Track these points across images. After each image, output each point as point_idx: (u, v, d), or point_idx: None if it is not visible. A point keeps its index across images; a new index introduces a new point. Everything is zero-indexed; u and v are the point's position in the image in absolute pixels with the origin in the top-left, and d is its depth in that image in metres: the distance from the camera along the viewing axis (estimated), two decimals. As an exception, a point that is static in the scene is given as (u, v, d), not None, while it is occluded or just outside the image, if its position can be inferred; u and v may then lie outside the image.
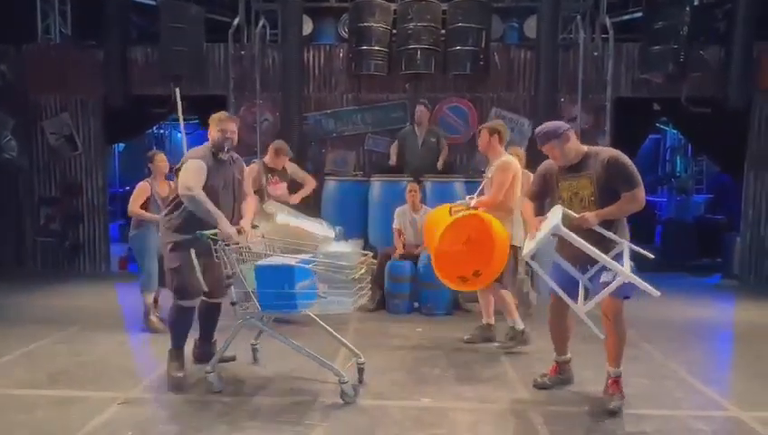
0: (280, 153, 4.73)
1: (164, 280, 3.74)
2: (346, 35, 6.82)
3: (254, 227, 3.27)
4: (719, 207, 9.18)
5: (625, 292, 2.83)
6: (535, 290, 5.11)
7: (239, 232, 3.14)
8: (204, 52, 6.71)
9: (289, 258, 3.03)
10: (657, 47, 6.21)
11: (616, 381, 2.96)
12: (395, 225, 5.21)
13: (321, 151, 6.79)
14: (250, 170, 4.68)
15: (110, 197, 8.38)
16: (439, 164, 6.05)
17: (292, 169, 4.90)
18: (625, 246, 2.87)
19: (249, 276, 3.00)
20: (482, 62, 6.43)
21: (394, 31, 6.49)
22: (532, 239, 2.98)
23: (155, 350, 3.88)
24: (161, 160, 4.53)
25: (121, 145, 10.79)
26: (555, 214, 2.90)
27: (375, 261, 3.34)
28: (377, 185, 5.86)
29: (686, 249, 7.81)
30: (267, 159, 4.77)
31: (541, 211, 3.15)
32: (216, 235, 2.97)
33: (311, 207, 4.99)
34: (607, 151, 2.95)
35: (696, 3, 6.43)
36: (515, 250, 3.74)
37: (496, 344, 3.93)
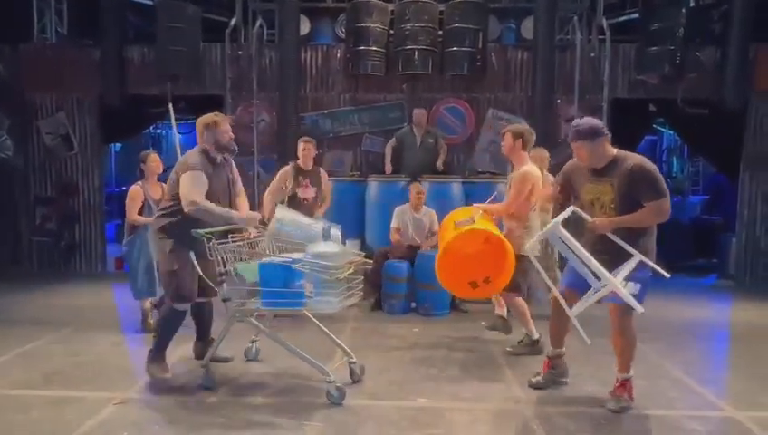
0: (308, 144, 4.85)
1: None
2: (343, 36, 6.82)
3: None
4: (715, 207, 9.21)
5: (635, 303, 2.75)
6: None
7: (239, 230, 3.19)
8: (201, 51, 6.70)
9: (285, 257, 3.04)
10: (653, 48, 6.23)
11: (623, 384, 2.95)
12: (393, 223, 5.21)
13: (318, 152, 6.77)
14: (282, 173, 4.84)
15: (107, 196, 8.34)
16: (439, 164, 6.06)
17: (325, 178, 5.00)
18: (635, 260, 2.76)
19: (247, 274, 3.01)
20: (479, 63, 6.44)
21: (391, 31, 6.49)
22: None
23: (151, 350, 3.88)
24: (154, 161, 4.48)
25: (118, 145, 10.77)
26: (562, 214, 2.87)
27: (367, 260, 3.32)
28: (374, 185, 5.87)
29: (682, 250, 7.82)
30: (301, 159, 4.85)
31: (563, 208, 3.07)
32: (211, 233, 2.96)
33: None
34: (633, 158, 2.83)
35: (692, 4, 6.45)
36: (526, 259, 3.59)
37: (508, 349, 3.90)
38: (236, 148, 3.27)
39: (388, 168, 6.14)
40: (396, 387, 3.25)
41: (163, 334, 3.25)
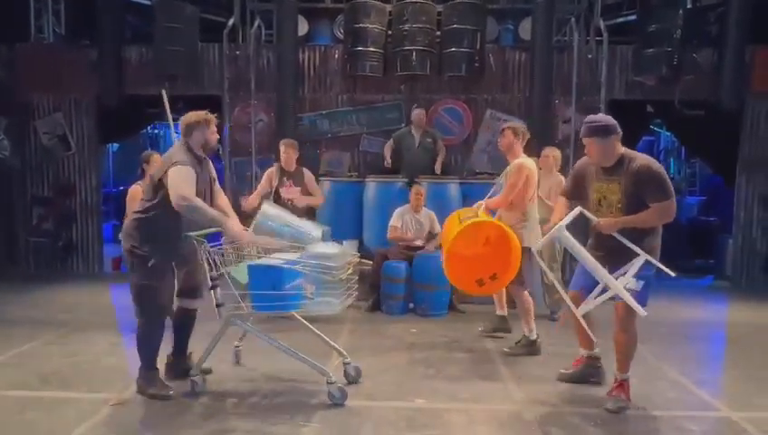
0: (289, 148, 4.86)
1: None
2: (341, 36, 6.82)
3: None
4: (712, 209, 9.24)
5: (639, 300, 2.77)
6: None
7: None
8: (199, 52, 6.69)
9: (276, 259, 3.00)
10: (650, 50, 6.25)
11: (621, 384, 2.96)
12: (392, 222, 5.21)
13: (315, 152, 6.78)
14: (267, 173, 4.90)
15: (104, 197, 8.34)
16: (437, 166, 6.07)
17: (308, 177, 5.00)
18: (641, 260, 2.78)
19: (239, 277, 2.98)
20: (477, 64, 6.45)
21: (389, 32, 6.49)
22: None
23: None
24: (156, 161, 4.46)
25: (115, 145, 10.75)
26: (569, 216, 2.88)
27: (364, 261, 3.32)
28: (372, 186, 5.87)
29: (678, 251, 7.84)
30: (282, 162, 4.87)
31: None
32: (202, 235, 2.90)
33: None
34: (641, 159, 2.85)
35: (689, 6, 6.48)
36: (528, 252, 3.65)
37: (506, 350, 3.89)
38: (220, 149, 3.19)
39: (388, 161, 6.13)
40: (394, 388, 3.25)
41: (147, 352, 3.01)
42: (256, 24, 6.81)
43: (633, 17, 6.94)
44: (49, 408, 2.90)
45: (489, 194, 3.93)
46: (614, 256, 2.86)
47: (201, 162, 3.08)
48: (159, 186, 2.93)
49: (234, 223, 2.98)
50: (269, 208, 3.34)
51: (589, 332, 2.97)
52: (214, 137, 3.11)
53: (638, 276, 2.78)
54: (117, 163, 11.19)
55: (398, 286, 5.06)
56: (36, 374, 3.38)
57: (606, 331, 3.11)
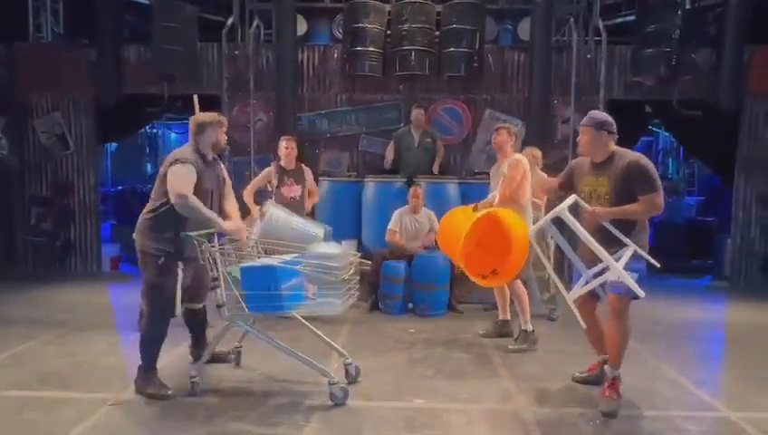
0: (291, 142, 4.90)
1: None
2: (340, 36, 6.81)
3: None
4: (710, 209, 9.25)
5: (631, 291, 2.84)
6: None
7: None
8: (197, 51, 6.68)
9: (275, 259, 3.01)
10: (649, 50, 6.26)
11: (613, 383, 2.98)
12: (391, 225, 5.21)
13: (314, 152, 6.78)
14: (265, 172, 4.92)
15: (102, 196, 8.33)
16: (435, 167, 6.07)
17: (309, 174, 5.05)
18: (631, 249, 2.89)
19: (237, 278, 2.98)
20: (476, 64, 6.45)
21: (388, 32, 6.49)
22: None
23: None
24: None
25: (114, 144, 10.74)
26: (566, 201, 2.97)
27: (365, 261, 3.32)
28: (371, 186, 5.86)
29: (677, 251, 7.86)
30: (284, 157, 4.89)
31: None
32: (202, 236, 2.91)
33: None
34: (630, 155, 2.99)
35: (687, 6, 6.49)
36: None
37: (510, 347, 3.95)
38: (226, 150, 3.28)
39: (388, 162, 6.14)
40: (392, 387, 3.25)
41: (150, 351, 3.05)
42: (255, 23, 6.80)
43: (632, 17, 6.95)
44: (47, 408, 2.89)
45: (491, 196, 4.08)
46: (603, 244, 2.93)
47: (208, 162, 3.13)
48: (164, 184, 2.98)
49: (228, 222, 3.02)
50: (275, 211, 3.35)
51: (579, 318, 3.02)
52: (223, 138, 3.17)
53: (629, 269, 2.86)
54: (115, 163, 11.18)
55: (397, 286, 5.06)
56: (35, 374, 3.37)
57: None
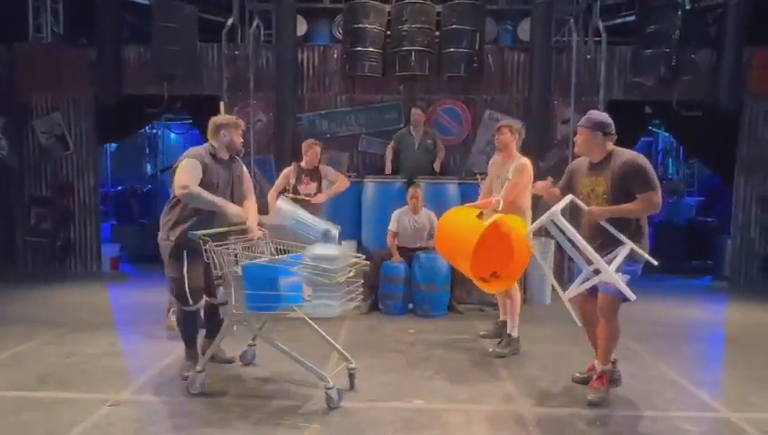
0: (314, 146, 5.06)
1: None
2: (340, 36, 6.81)
3: (259, 226, 3.30)
4: (710, 209, 9.25)
5: (623, 295, 2.84)
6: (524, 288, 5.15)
7: (244, 231, 3.20)
8: (197, 51, 6.68)
9: (272, 259, 3.01)
10: (649, 50, 6.26)
11: (601, 376, 3.04)
12: (391, 227, 5.21)
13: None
14: (285, 172, 5.11)
15: (102, 197, 8.33)
16: (436, 165, 6.08)
17: (325, 171, 5.19)
18: (627, 248, 2.89)
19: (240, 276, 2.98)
20: (476, 64, 6.44)
21: (388, 32, 6.49)
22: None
23: (146, 351, 3.86)
24: None
25: (114, 145, 10.73)
26: (561, 202, 2.98)
27: (368, 262, 3.29)
28: (370, 186, 5.86)
29: (677, 251, 7.86)
30: (308, 160, 5.06)
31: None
32: (207, 235, 2.93)
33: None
34: (627, 154, 3.00)
35: (687, 7, 6.48)
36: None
37: (491, 350, 3.93)
38: (241, 153, 3.38)
39: (388, 168, 6.14)
40: (392, 388, 3.24)
41: (186, 335, 3.34)
42: (255, 23, 6.80)
43: (632, 18, 6.94)
44: (46, 408, 2.89)
45: (497, 193, 3.96)
46: (603, 246, 2.94)
47: (220, 160, 3.25)
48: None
49: (232, 206, 3.12)
50: (283, 204, 3.38)
51: (576, 319, 3.03)
52: (239, 139, 3.30)
53: (622, 271, 2.87)
54: (115, 163, 11.17)
55: (397, 286, 5.06)
56: (34, 374, 3.37)
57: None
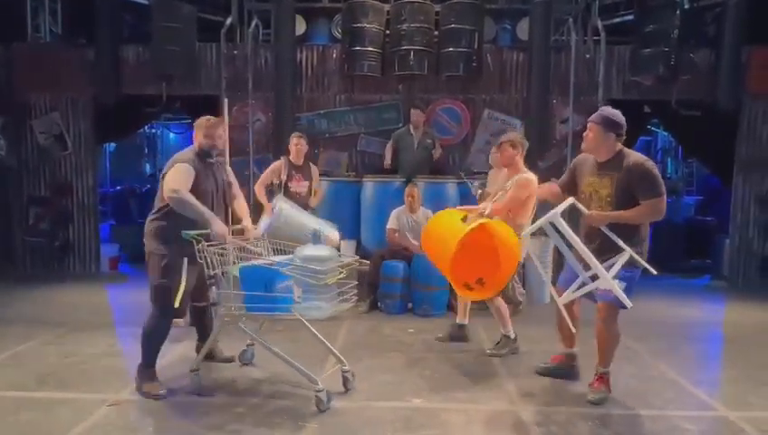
0: (301, 139, 5.02)
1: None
2: (339, 36, 6.81)
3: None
4: (709, 209, 9.26)
5: (620, 302, 2.81)
6: (523, 287, 5.14)
7: (241, 231, 3.15)
8: (196, 51, 6.67)
9: (264, 260, 2.97)
10: (648, 50, 6.26)
11: (601, 377, 3.03)
12: (389, 225, 5.21)
13: (313, 152, 6.76)
14: (274, 166, 5.03)
15: (101, 197, 8.32)
16: (436, 154, 6.08)
17: (315, 171, 5.19)
18: (626, 255, 2.82)
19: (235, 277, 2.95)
20: (474, 64, 6.44)
21: (387, 32, 6.49)
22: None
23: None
24: None
25: (112, 145, 10.73)
26: (562, 205, 2.91)
27: (363, 261, 3.26)
28: (369, 186, 5.87)
29: (675, 251, 7.87)
30: (293, 154, 5.02)
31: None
32: (200, 235, 2.88)
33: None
34: (635, 156, 2.90)
35: (686, 6, 6.48)
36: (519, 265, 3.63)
37: (488, 351, 3.92)
38: (213, 154, 3.17)
39: (388, 161, 6.13)
40: (391, 387, 3.24)
41: (152, 347, 3.10)
42: (254, 23, 6.80)
43: (630, 17, 6.94)
44: (46, 408, 2.89)
45: (475, 186, 3.92)
46: (601, 251, 2.90)
47: (208, 164, 3.16)
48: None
49: (218, 223, 2.94)
50: (285, 206, 3.33)
51: (570, 323, 3.01)
52: (204, 141, 3.13)
53: (620, 277, 2.82)
54: (114, 163, 11.17)
55: (396, 286, 5.07)
56: (33, 375, 3.36)
57: (587, 330, 3.11)
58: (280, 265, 2.87)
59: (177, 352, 3.63)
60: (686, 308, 5.58)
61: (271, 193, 4.98)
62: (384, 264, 5.10)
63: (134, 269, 7.25)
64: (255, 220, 4.02)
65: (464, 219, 3.47)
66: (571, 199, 2.97)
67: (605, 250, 2.89)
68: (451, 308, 5.13)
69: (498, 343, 3.95)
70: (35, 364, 3.55)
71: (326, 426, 2.73)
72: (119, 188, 10.72)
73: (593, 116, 3.00)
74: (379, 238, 5.36)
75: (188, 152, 3.15)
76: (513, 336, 3.90)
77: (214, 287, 2.94)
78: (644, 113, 7.48)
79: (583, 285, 2.99)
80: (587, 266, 2.93)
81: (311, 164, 5.19)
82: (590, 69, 6.74)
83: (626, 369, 3.45)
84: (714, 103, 6.47)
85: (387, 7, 6.48)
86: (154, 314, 3.07)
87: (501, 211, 3.67)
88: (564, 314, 2.95)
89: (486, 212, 3.55)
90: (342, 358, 3.17)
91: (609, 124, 2.92)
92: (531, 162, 3.96)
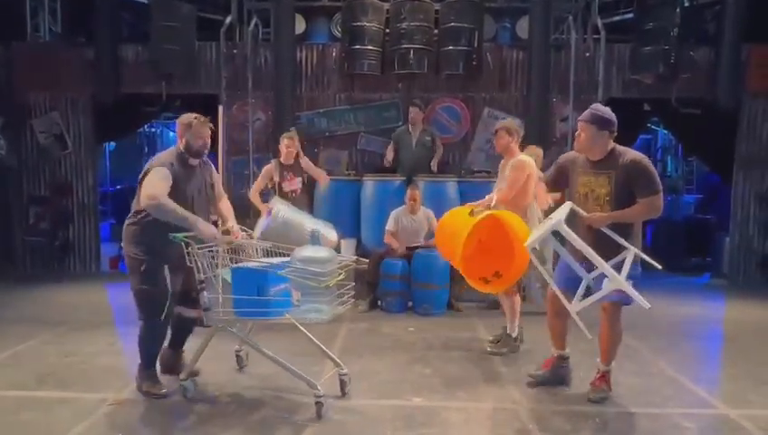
0: (291, 141, 4.89)
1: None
2: (339, 35, 6.81)
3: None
4: (709, 207, 9.26)
5: (625, 299, 2.81)
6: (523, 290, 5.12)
7: (227, 232, 3.05)
8: (195, 50, 6.67)
9: (259, 262, 2.86)
10: (647, 48, 6.26)
11: (603, 375, 3.02)
12: (388, 226, 5.21)
13: (313, 151, 6.76)
14: (265, 170, 4.94)
15: (101, 196, 8.32)
16: (433, 164, 6.05)
17: (306, 164, 5.05)
18: (631, 252, 2.80)
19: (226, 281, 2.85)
20: (474, 62, 6.44)
21: (387, 30, 6.48)
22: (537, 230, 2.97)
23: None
24: None
25: (112, 144, 10.72)
26: (562, 210, 2.85)
27: (362, 260, 3.20)
28: (369, 184, 5.86)
29: (676, 249, 7.87)
30: (283, 156, 4.91)
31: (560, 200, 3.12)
32: (189, 237, 2.78)
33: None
34: (632, 154, 2.87)
35: (686, 4, 6.48)
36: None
37: (489, 349, 3.90)
38: (203, 155, 3.08)
39: (389, 161, 6.09)
40: (391, 386, 3.25)
41: (148, 351, 3.05)
42: (253, 22, 6.79)
43: (630, 15, 6.94)
44: (46, 408, 2.89)
45: (495, 189, 3.90)
46: (602, 252, 2.83)
47: (189, 166, 3.02)
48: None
49: (204, 225, 2.84)
50: (281, 208, 3.25)
51: (582, 326, 2.92)
52: (198, 140, 3.00)
53: (629, 277, 2.78)
54: (114, 162, 11.17)
55: (395, 284, 5.07)
56: (33, 374, 3.36)
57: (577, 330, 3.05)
58: (277, 267, 2.76)
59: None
60: (687, 306, 5.58)
61: (266, 195, 4.93)
62: (384, 262, 5.10)
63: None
64: (254, 226, 4.01)
65: (471, 213, 3.50)
66: (569, 204, 2.91)
67: (606, 251, 2.84)
68: (451, 307, 5.14)
69: (498, 341, 3.95)
70: (35, 364, 3.56)
71: (326, 425, 2.72)
72: (119, 187, 10.73)
73: (584, 115, 2.94)
74: (379, 237, 5.36)
75: (169, 154, 2.99)
76: (515, 335, 3.89)
77: (204, 292, 2.79)
78: (644, 111, 7.48)
79: (588, 288, 2.91)
80: (588, 265, 2.88)
81: (299, 159, 5.02)
82: (590, 67, 6.73)
83: (626, 367, 3.45)
84: (714, 101, 6.47)
85: (386, 6, 6.48)
86: (143, 321, 3.01)
87: (506, 198, 3.67)
88: (577, 320, 2.83)
89: (492, 204, 3.57)
90: (339, 361, 3.08)
91: (602, 122, 2.88)
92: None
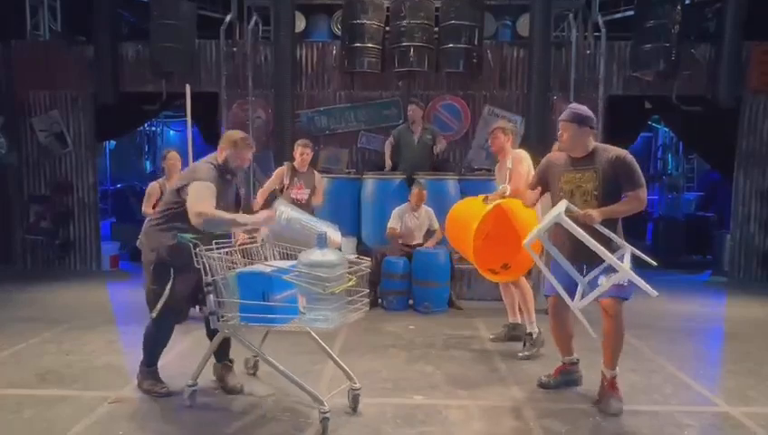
0: (306, 148, 4.88)
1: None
2: (339, 32, 6.80)
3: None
4: (709, 204, 9.27)
5: (626, 293, 2.81)
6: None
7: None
8: (195, 48, 6.67)
9: (265, 266, 2.76)
10: (648, 45, 6.25)
11: (612, 382, 2.95)
12: (391, 224, 5.21)
13: (313, 149, 6.76)
14: (278, 172, 4.92)
15: (101, 194, 8.32)
16: (436, 149, 6.03)
17: (318, 179, 5.04)
18: (627, 248, 2.82)
19: (233, 284, 2.75)
20: (475, 60, 6.44)
21: (387, 28, 6.48)
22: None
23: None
24: (173, 158, 4.60)
25: (112, 142, 10.73)
26: (559, 206, 2.87)
27: (368, 259, 3.15)
28: (370, 182, 5.86)
29: (676, 246, 7.88)
30: (298, 162, 4.88)
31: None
32: (196, 238, 2.74)
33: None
34: (615, 150, 2.92)
35: (686, 2, 6.48)
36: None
37: (520, 355, 3.76)
38: (238, 174, 3.14)
39: (389, 163, 6.12)
40: (392, 384, 3.25)
41: (151, 350, 3.04)
42: (254, 20, 6.79)
43: (631, 13, 6.94)
44: (46, 406, 2.89)
45: (507, 183, 3.92)
46: (592, 253, 2.81)
47: (226, 180, 3.02)
48: (179, 196, 2.89)
49: (246, 217, 2.92)
50: (285, 209, 3.21)
51: (586, 324, 2.91)
52: (237, 162, 3.01)
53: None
54: (114, 160, 11.18)
55: (396, 282, 5.07)
56: (34, 372, 3.37)
57: (584, 335, 3.02)
58: (282, 271, 2.65)
59: (177, 349, 3.63)
60: (687, 304, 5.58)
61: (272, 197, 4.89)
62: (385, 260, 5.10)
63: (135, 267, 7.22)
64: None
65: (485, 200, 3.53)
66: (564, 202, 2.90)
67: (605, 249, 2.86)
68: (451, 305, 5.14)
69: (525, 344, 3.79)
70: (36, 362, 3.56)
71: (328, 423, 2.72)
72: (119, 185, 10.74)
73: (564, 115, 3.00)
74: (380, 235, 5.36)
75: (210, 167, 2.94)
76: (535, 331, 3.78)
77: (211, 296, 2.72)
78: (644, 109, 7.48)
79: (585, 289, 2.90)
80: (580, 268, 2.88)
81: (314, 172, 5.04)
82: (591, 65, 6.73)
83: (626, 364, 3.43)
84: (714, 99, 6.47)
85: (386, 4, 6.48)
86: (152, 320, 2.99)
87: (519, 189, 3.62)
88: (581, 317, 2.79)
89: (507, 193, 3.59)
90: (352, 374, 2.90)
91: (582, 120, 2.95)
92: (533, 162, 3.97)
